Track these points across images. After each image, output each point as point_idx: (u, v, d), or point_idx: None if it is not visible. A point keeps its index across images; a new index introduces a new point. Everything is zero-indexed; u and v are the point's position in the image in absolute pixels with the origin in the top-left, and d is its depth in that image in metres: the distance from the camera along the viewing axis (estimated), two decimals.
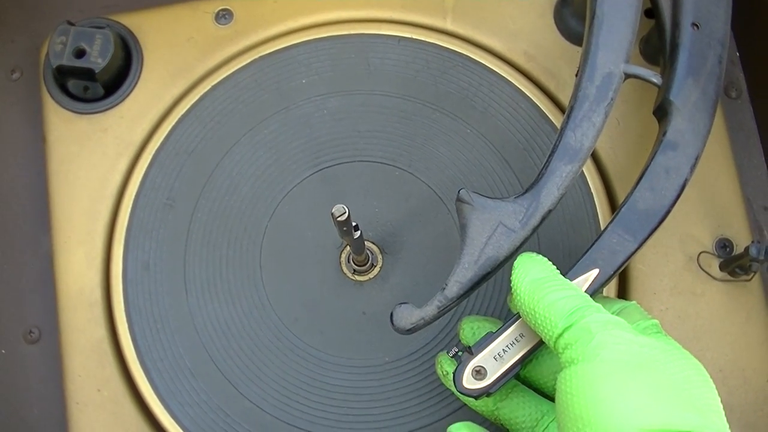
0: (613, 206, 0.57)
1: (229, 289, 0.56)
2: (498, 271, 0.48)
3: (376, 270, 0.56)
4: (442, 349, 0.54)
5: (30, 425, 0.59)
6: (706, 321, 0.56)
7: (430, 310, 0.47)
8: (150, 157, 0.58)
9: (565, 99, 0.59)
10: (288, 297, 0.56)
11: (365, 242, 0.55)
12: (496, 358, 0.47)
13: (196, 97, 0.59)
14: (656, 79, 0.52)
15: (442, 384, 0.52)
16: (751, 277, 0.56)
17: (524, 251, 0.48)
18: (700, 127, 0.52)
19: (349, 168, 0.57)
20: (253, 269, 0.56)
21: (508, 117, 0.58)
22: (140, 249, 0.57)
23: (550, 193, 0.49)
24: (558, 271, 0.47)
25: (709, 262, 0.57)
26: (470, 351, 0.47)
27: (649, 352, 0.42)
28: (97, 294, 0.57)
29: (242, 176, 0.57)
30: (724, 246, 0.57)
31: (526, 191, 0.49)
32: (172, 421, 0.54)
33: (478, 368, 0.47)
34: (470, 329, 0.51)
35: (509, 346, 0.48)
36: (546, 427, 0.48)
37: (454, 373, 0.47)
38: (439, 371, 0.51)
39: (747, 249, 0.53)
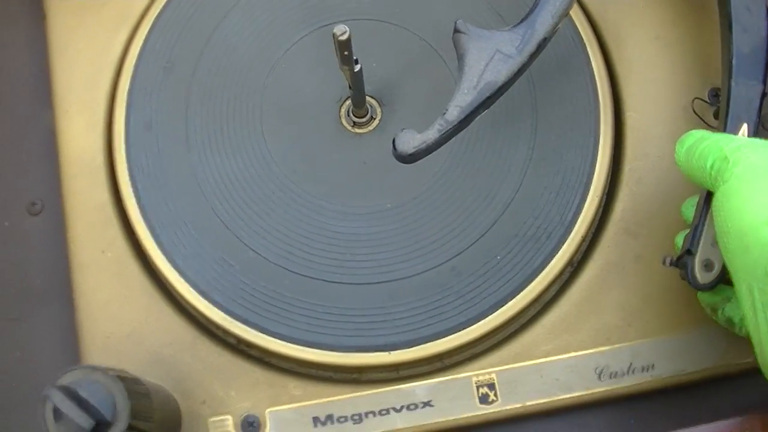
0: (605, 55, 0.58)
1: (231, 144, 0.56)
2: (497, 98, 0.49)
3: (375, 122, 0.57)
4: (441, 195, 0.55)
5: (35, 294, 0.59)
6: None
7: (431, 133, 0.48)
8: (149, 25, 0.59)
9: None
10: (289, 149, 0.56)
11: None
12: (712, 244, 0.49)
13: None
14: None
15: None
16: None
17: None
18: None
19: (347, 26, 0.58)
20: (253, 124, 0.57)
21: None
22: (141, 110, 0.57)
23: (544, 21, 0.50)
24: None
25: (703, 110, 0.58)
26: (689, 252, 0.50)
27: None
28: (99, 159, 0.58)
29: (240, 37, 0.58)
30: (717, 95, 0.58)
31: (522, 21, 0.50)
32: (177, 275, 0.55)
33: (705, 261, 0.49)
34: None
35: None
36: None
37: (687, 276, 0.49)
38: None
39: None
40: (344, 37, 0.47)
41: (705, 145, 0.47)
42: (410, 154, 0.48)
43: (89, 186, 0.58)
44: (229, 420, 0.54)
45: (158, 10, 0.59)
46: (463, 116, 0.48)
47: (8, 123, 0.62)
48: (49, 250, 0.60)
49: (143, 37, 0.59)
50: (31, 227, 0.60)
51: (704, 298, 0.51)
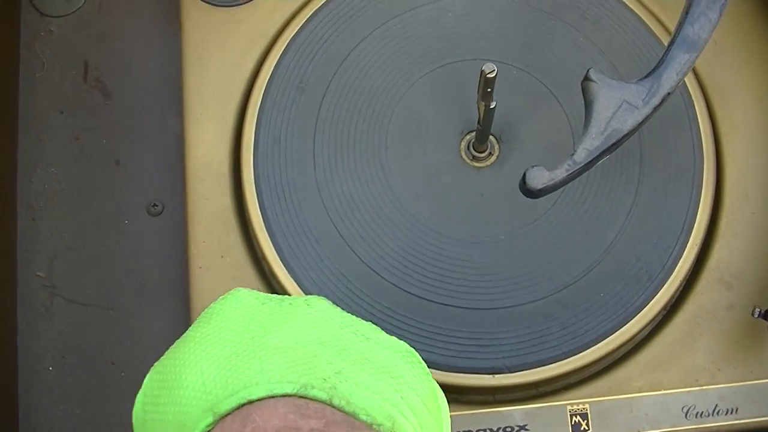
0: (711, 113, 0.62)
1: (355, 165, 0.60)
2: (620, 145, 0.53)
3: (493, 158, 0.60)
4: (552, 231, 0.59)
5: (150, 290, 0.62)
6: None
7: (559, 173, 0.51)
8: (284, 45, 0.62)
9: (666, 18, 0.64)
10: (410, 175, 0.60)
11: None
12: None
13: None
14: None
15: None
16: None
17: None
18: None
19: (472, 65, 0.62)
20: (378, 148, 0.60)
21: (618, 29, 0.63)
22: (272, 125, 0.60)
23: (669, 77, 0.53)
24: None
25: None
26: None
27: None
28: (225, 167, 0.61)
29: (372, 65, 0.62)
30: None
31: (648, 75, 0.53)
32: (294, 283, 0.58)
33: None
34: None
35: None
36: None
37: None
38: None
39: None
40: (491, 75, 0.51)
41: None
42: (539, 190, 0.51)
43: (213, 191, 0.60)
44: None
45: (294, 32, 0.62)
46: (589, 159, 0.52)
47: (135, 126, 0.65)
48: (165, 251, 0.63)
49: (277, 56, 0.62)
50: (150, 227, 0.63)
51: None
